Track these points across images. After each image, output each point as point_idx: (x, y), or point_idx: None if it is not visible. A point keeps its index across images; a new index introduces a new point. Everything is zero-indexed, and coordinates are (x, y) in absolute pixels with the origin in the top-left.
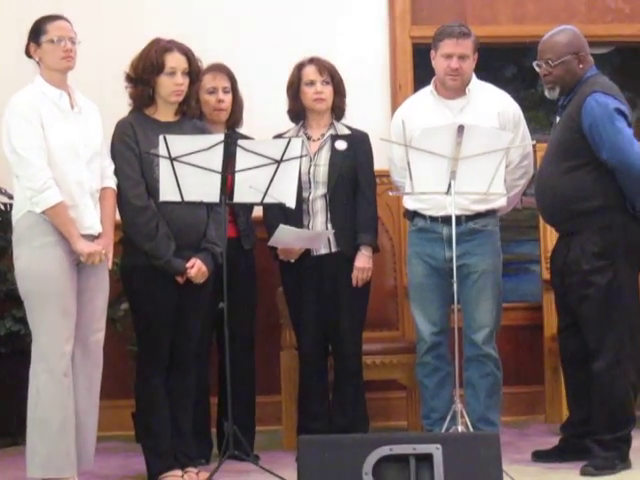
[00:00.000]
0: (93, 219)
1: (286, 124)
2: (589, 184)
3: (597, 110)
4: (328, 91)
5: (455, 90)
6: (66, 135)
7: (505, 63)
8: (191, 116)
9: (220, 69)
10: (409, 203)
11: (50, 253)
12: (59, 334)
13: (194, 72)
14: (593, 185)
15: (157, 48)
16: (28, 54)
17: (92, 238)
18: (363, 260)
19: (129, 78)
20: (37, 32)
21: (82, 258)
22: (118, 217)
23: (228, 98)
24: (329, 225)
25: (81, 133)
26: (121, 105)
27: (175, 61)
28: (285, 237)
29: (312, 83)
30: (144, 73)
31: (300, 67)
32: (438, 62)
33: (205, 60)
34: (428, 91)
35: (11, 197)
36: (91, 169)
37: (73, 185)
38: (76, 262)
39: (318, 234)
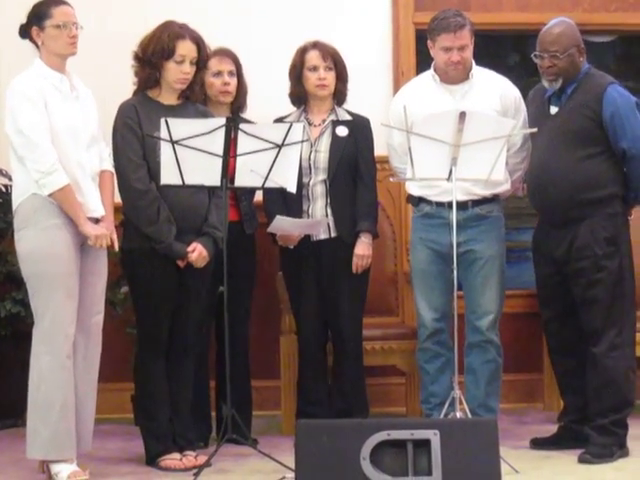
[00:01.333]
0: (97, 202)
1: (286, 108)
2: (602, 172)
3: (620, 101)
4: (331, 77)
5: (458, 77)
6: (68, 118)
7: (508, 51)
8: (194, 100)
9: (226, 53)
10: (414, 189)
11: (57, 235)
12: (64, 316)
13: (202, 60)
14: (606, 173)
15: (170, 33)
16: (25, 35)
17: (95, 221)
18: (363, 247)
19: (137, 57)
20: (40, 16)
21: (90, 241)
22: (117, 200)
23: (233, 81)
24: (329, 210)
25: (80, 117)
26: (123, 87)
27: (186, 49)
28: (283, 226)
29: (315, 68)
30: (153, 56)
31: (303, 51)
32: (438, 54)
33: (207, 43)
34: (428, 75)
35: (11, 179)
36: (90, 153)
37: (76, 167)
38: (80, 244)
39: (316, 221)
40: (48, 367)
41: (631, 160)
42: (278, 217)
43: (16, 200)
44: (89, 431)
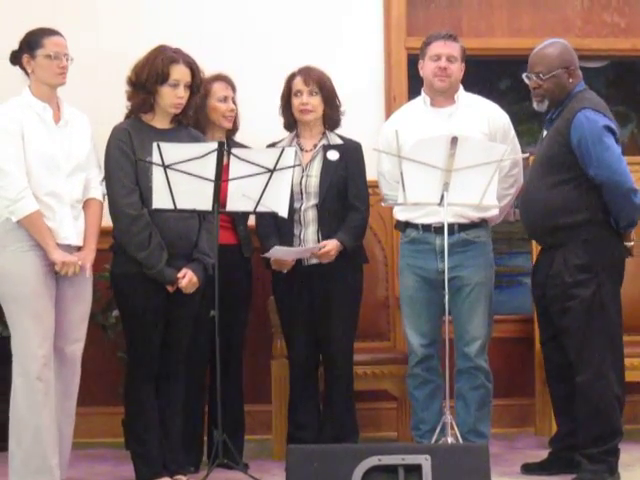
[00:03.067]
0: (70, 230)
1: (280, 133)
2: (575, 198)
3: (586, 126)
4: (315, 101)
5: (444, 94)
6: (45, 148)
7: (500, 75)
8: (187, 124)
9: (228, 81)
10: (400, 214)
11: (24, 257)
12: (31, 337)
13: (196, 85)
14: (579, 199)
15: (163, 57)
16: (16, 62)
17: (70, 249)
18: (331, 246)
19: (131, 82)
20: (32, 45)
21: (57, 267)
22: (107, 223)
23: (236, 108)
24: (320, 235)
25: (63, 146)
26: (116, 110)
27: (180, 74)
28: (278, 254)
29: (299, 93)
30: (147, 81)
31: (290, 78)
32: (427, 65)
33: (201, 68)
34: (419, 100)
35: None
36: (72, 181)
37: (49, 197)
38: (55, 270)
39: (310, 249)
40: (20, 389)
41: (601, 187)
42: (276, 247)
43: None
44: (65, 459)
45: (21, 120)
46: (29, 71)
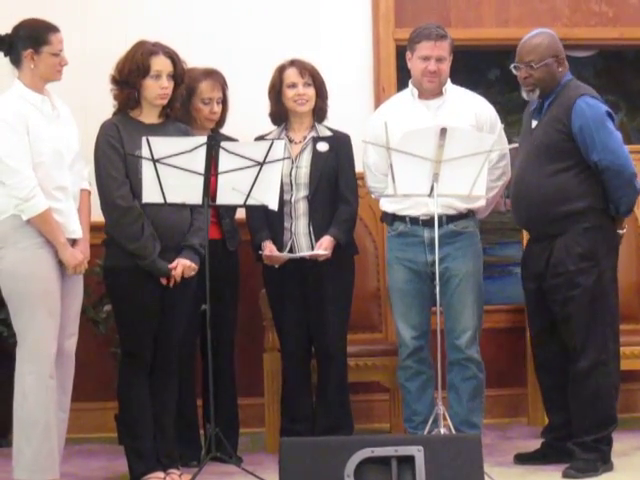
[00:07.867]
0: (76, 224)
1: (267, 126)
2: (575, 186)
3: (588, 112)
4: (310, 93)
5: (432, 91)
6: (51, 141)
7: (489, 66)
8: (174, 118)
9: (217, 78)
10: (387, 206)
11: (38, 254)
12: (46, 335)
13: (179, 75)
14: (579, 187)
15: (143, 51)
16: (11, 53)
17: (72, 241)
18: (327, 245)
19: (114, 80)
20: (39, 40)
21: (68, 271)
22: (99, 218)
23: (220, 108)
24: (311, 228)
25: (63, 137)
26: (104, 107)
27: (160, 64)
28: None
29: (294, 85)
30: (129, 76)
31: (281, 69)
32: (415, 64)
33: (188, 61)
34: (406, 92)
35: None
36: (73, 173)
37: (57, 191)
38: (60, 264)
39: (309, 254)
40: (31, 387)
41: (604, 172)
42: (284, 253)
43: None
44: (59, 455)
45: (25, 114)
46: (30, 66)
